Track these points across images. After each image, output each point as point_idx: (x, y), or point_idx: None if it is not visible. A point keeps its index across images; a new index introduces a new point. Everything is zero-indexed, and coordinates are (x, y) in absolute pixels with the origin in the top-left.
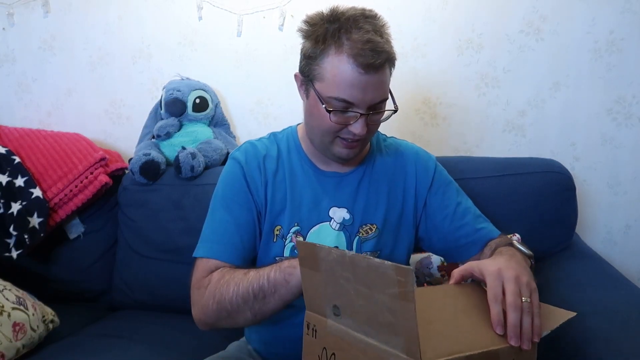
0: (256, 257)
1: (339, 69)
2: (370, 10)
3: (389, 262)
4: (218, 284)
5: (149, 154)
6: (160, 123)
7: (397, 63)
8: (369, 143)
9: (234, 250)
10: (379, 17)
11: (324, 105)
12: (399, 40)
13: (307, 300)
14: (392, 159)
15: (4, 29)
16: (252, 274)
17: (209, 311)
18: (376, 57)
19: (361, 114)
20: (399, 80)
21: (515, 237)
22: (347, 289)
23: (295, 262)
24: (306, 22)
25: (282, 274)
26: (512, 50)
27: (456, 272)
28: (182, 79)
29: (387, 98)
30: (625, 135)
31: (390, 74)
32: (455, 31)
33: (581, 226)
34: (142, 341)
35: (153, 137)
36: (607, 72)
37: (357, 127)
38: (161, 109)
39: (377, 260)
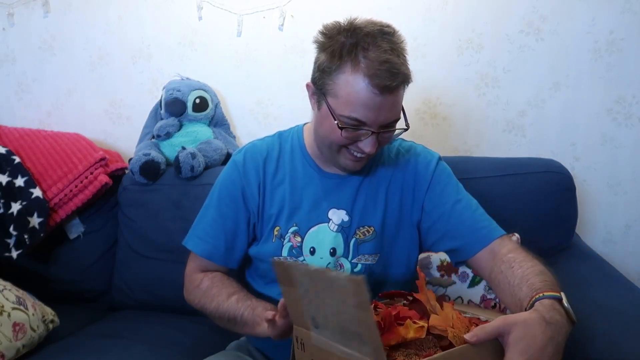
0: (248, 255)
1: (354, 88)
2: (389, 27)
3: (344, 274)
4: (205, 294)
5: (149, 154)
6: (160, 123)
7: None
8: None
9: (216, 251)
10: (397, 34)
11: (336, 122)
12: None
13: (291, 315)
14: (393, 162)
15: (4, 29)
16: (232, 302)
17: (193, 304)
18: (393, 79)
19: (372, 132)
20: None
21: (546, 291)
22: (318, 301)
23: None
24: (323, 33)
25: (253, 317)
26: (512, 50)
27: (481, 332)
28: (182, 79)
29: (400, 118)
30: (625, 135)
31: (404, 92)
32: (455, 31)
33: (581, 226)
34: (142, 341)
35: (153, 137)
36: (607, 72)
37: (367, 145)
38: (161, 109)
39: (333, 272)
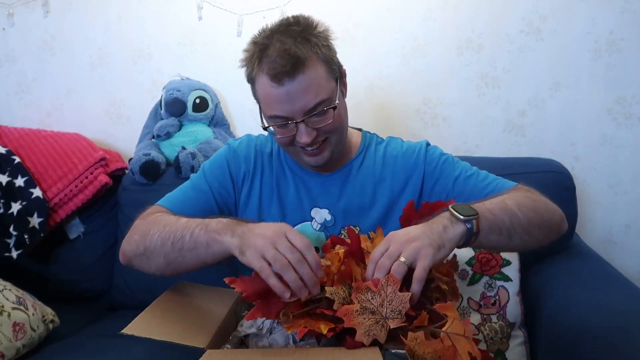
0: None
1: (264, 88)
2: (297, 17)
3: None
4: (151, 217)
5: (149, 154)
6: (160, 123)
7: (397, 63)
8: (342, 144)
9: (183, 207)
10: (304, 21)
11: (261, 125)
12: (399, 40)
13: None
14: (380, 160)
15: (4, 29)
16: (182, 222)
17: (131, 242)
18: (284, 65)
19: (297, 122)
20: (399, 80)
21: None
22: None
23: (221, 227)
24: (244, 50)
25: (206, 235)
26: (512, 50)
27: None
28: (182, 79)
29: (327, 97)
30: (625, 135)
31: (330, 71)
32: (455, 31)
33: (581, 226)
34: (142, 341)
35: (153, 137)
36: (607, 72)
37: (301, 136)
38: (161, 109)
39: None
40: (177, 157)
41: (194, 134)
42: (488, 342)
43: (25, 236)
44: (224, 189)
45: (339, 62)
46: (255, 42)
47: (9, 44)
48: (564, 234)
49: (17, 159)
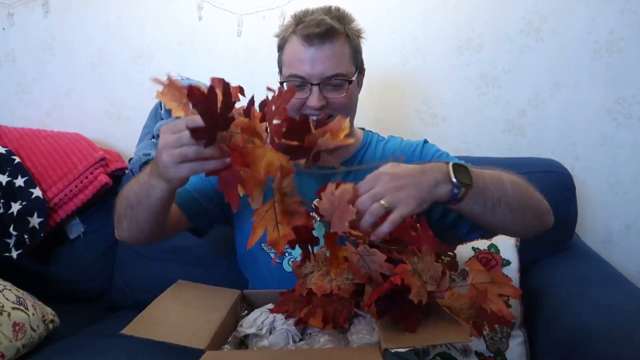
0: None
1: (291, 49)
2: (338, 7)
3: None
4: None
5: (149, 154)
6: (160, 123)
7: (396, 63)
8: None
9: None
10: (344, 11)
11: (279, 81)
12: (399, 40)
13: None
14: (380, 156)
15: (4, 29)
16: (132, 180)
17: (115, 216)
18: (315, 28)
19: (312, 85)
20: (399, 80)
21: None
22: None
23: (147, 174)
24: (280, 25)
25: (142, 188)
26: (512, 50)
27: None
28: (182, 79)
29: (345, 74)
30: (625, 135)
31: (354, 58)
32: (455, 31)
33: (581, 226)
34: (142, 341)
35: (153, 137)
36: (607, 72)
37: (311, 100)
38: (161, 109)
39: None
40: None
41: None
42: (488, 342)
43: (25, 236)
44: (211, 184)
45: (362, 59)
46: (295, 16)
47: (9, 44)
48: (547, 228)
49: (17, 159)
